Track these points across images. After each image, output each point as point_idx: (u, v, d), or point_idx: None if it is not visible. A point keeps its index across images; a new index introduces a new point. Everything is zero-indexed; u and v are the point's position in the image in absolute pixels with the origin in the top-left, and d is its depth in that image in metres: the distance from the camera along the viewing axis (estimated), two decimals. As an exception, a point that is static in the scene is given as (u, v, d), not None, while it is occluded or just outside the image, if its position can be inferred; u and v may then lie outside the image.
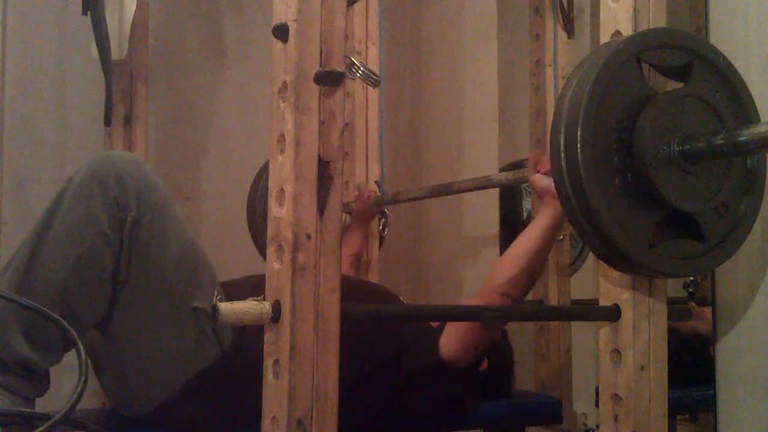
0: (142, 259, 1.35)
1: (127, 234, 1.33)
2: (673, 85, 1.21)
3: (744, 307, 1.29)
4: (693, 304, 1.94)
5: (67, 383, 1.27)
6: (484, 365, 1.60)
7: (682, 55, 1.17)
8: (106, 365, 1.46)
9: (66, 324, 1.05)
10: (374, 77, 1.49)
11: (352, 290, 1.65)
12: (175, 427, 1.44)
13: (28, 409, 1.25)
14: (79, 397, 0.97)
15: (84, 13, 1.82)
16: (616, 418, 1.18)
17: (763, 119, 1.20)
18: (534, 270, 1.52)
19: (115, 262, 1.34)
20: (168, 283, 1.38)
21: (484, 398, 1.64)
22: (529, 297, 1.97)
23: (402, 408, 1.54)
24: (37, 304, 1.16)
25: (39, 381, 1.31)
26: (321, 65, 1.05)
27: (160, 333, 1.39)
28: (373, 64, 2.30)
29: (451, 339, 1.51)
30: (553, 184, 1.16)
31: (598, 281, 1.23)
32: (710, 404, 1.34)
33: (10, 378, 1.27)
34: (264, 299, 1.05)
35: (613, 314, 1.19)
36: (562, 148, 1.10)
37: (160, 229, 1.37)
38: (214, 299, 1.02)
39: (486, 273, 1.58)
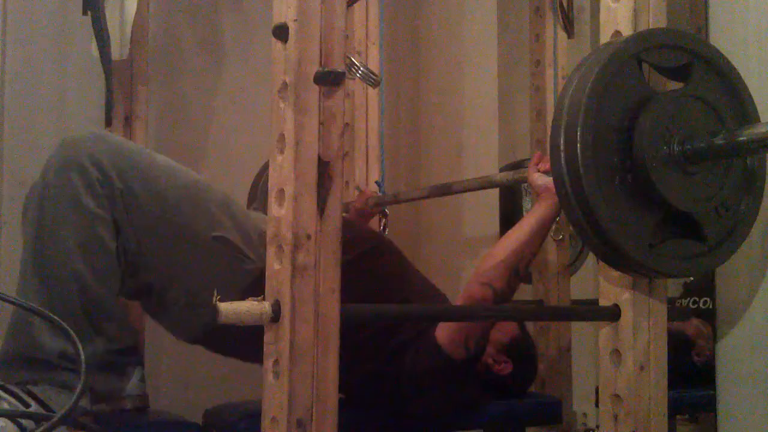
0: (146, 220, 1.39)
1: (120, 207, 1.37)
2: (673, 85, 1.21)
3: (744, 307, 1.29)
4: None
5: (67, 383, 1.27)
6: (509, 367, 1.60)
7: (682, 55, 1.17)
8: (156, 306, 1.51)
9: (63, 323, 1.06)
10: (374, 77, 1.49)
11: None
12: (229, 348, 1.52)
13: (29, 410, 1.25)
14: (79, 397, 0.97)
15: (84, 13, 1.82)
16: (616, 418, 1.18)
17: (763, 119, 1.21)
18: (520, 262, 1.51)
19: (116, 235, 1.38)
20: (180, 227, 1.42)
21: (507, 397, 1.66)
22: (530, 297, 1.97)
23: (403, 406, 1.53)
24: (31, 305, 1.17)
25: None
26: (321, 65, 1.05)
27: (194, 271, 1.44)
28: (373, 64, 2.30)
29: (444, 326, 1.51)
30: (551, 182, 1.16)
31: (598, 281, 1.23)
32: (710, 404, 1.34)
33: (61, 374, 1.30)
34: (264, 299, 1.05)
35: (613, 314, 1.19)
36: (562, 148, 1.10)
37: (151, 185, 1.40)
38: (214, 299, 1.01)
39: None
